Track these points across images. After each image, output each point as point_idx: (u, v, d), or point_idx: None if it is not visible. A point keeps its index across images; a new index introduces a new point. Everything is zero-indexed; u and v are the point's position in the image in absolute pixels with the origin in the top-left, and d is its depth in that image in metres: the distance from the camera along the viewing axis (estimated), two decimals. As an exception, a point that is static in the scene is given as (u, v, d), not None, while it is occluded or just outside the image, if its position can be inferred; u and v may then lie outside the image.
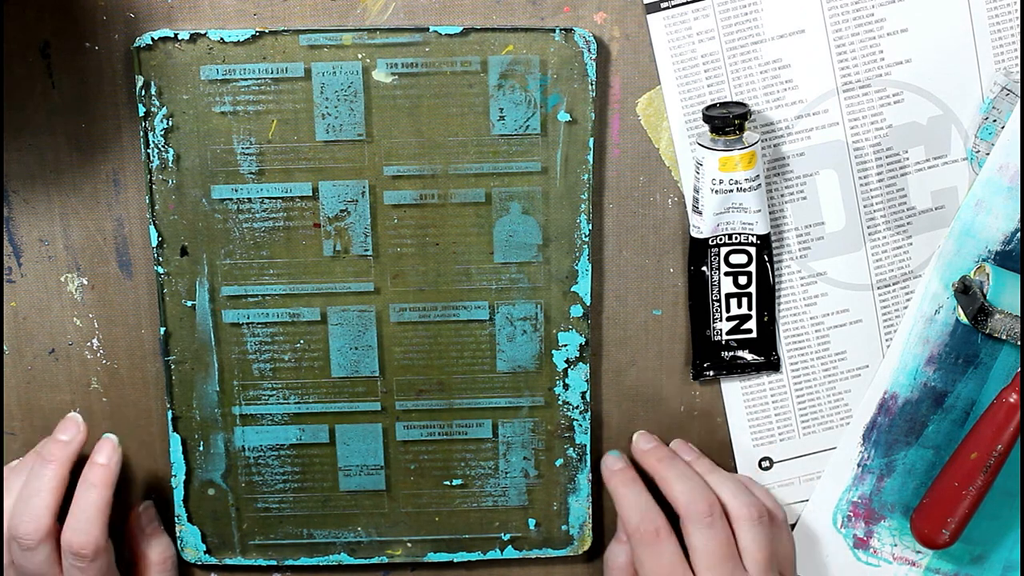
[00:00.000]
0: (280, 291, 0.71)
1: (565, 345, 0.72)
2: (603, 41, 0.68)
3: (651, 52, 0.69)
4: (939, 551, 0.76)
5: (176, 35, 0.67)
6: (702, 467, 0.73)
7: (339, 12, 0.67)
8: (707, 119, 0.67)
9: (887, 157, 0.71)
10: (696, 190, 0.69)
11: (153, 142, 0.68)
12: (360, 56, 0.67)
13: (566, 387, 0.73)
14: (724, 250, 0.71)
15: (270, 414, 0.73)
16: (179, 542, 0.75)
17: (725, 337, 0.73)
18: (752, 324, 0.73)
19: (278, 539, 0.75)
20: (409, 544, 0.76)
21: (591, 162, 0.69)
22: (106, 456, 0.69)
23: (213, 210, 0.69)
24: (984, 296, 0.70)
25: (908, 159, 0.71)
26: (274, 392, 0.73)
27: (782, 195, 0.71)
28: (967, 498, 0.71)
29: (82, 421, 0.71)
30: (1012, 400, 0.69)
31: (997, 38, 0.70)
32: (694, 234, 0.71)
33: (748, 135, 0.68)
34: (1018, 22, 0.70)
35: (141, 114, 0.68)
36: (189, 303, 0.71)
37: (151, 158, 0.68)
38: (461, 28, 0.67)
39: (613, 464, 0.74)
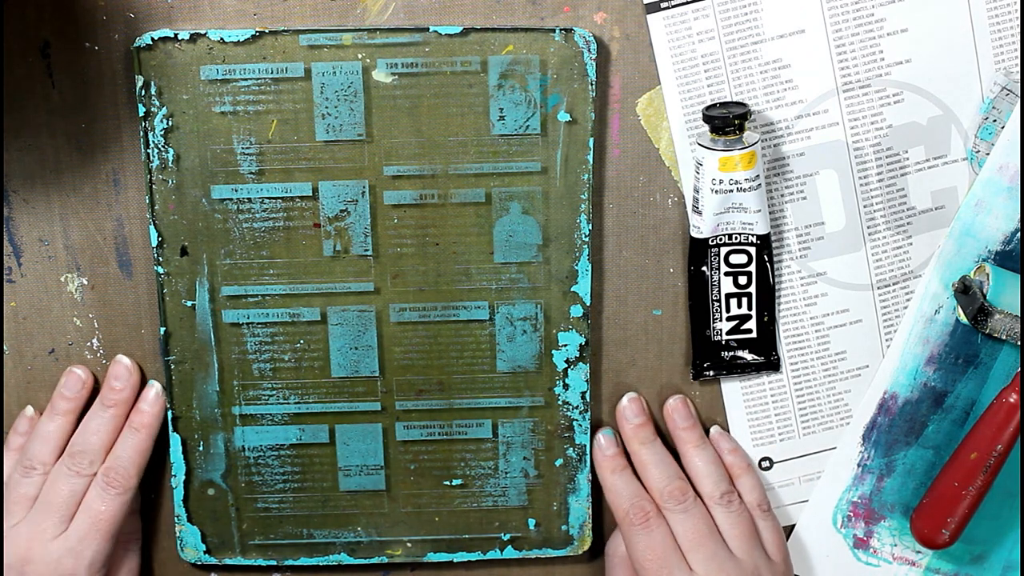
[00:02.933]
0: (280, 291, 0.71)
1: (565, 345, 0.72)
2: (603, 41, 0.68)
3: (651, 52, 0.69)
4: (939, 551, 0.76)
5: (176, 35, 0.67)
6: (690, 438, 0.73)
7: (339, 12, 0.67)
8: (707, 119, 0.67)
9: (887, 157, 0.71)
10: (696, 190, 0.69)
11: (153, 142, 0.68)
12: (360, 56, 0.67)
13: (566, 387, 0.73)
14: (724, 250, 0.71)
15: (270, 414, 0.73)
16: (179, 542, 0.75)
17: (725, 337, 0.73)
18: (752, 324, 0.73)
19: (278, 539, 0.75)
20: (409, 544, 0.76)
21: (591, 162, 0.69)
22: (149, 403, 0.73)
23: (213, 210, 0.69)
24: (984, 296, 0.70)
25: (908, 159, 0.71)
26: (274, 392, 0.73)
27: (782, 195, 0.71)
28: (967, 498, 0.71)
29: (131, 363, 0.72)
30: (1012, 400, 0.70)
31: (997, 38, 0.70)
32: (694, 234, 0.71)
33: (748, 135, 0.68)
34: (1018, 22, 0.70)
35: (141, 114, 0.68)
36: (189, 303, 0.71)
37: (151, 158, 0.68)
38: (461, 28, 0.67)
39: (606, 448, 0.74)
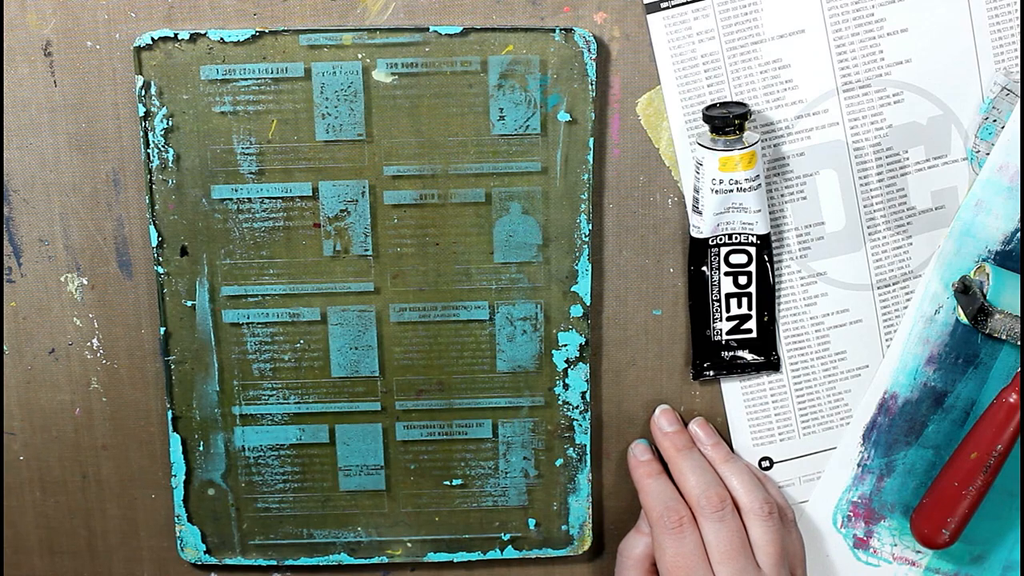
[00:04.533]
0: (280, 291, 0.71)
1: (565, 345, 0.72)
2: (603, 41, 0.68)
3: (651, 52, 0.69)
4: (939, 551, 0.76)
5: (176, 35, 0.67)
6: (718, 454, 0.73)
7: (339, 12, 0.67)
8: (707, 119, 0.67)
9: (887, 157, 0.71)
10: (696, 190, 0.69)
11: (153, 142, 0.68)
12: (360, 56, 0.67)
13: (566, 387, 0.73)
14: (724, 250, 0.71)
15: (270, 414, 0.73)
16: (179, 542, 0.75)
17: (725, 337, 0.73)
18: (752, 324, 0.73)
19: (278, 539, 0.75)
20: (409, 544, 0.76)
21: (591, 162, 0.69)
22: None
23: (213, 210, 0.69)
24: (984, 296, 0.70)
25: (908, 159, 0.71)
26: (274, 392, 0.73)
27: (782, 195, 0.71)
28: (967, 498, 0.71)
29: None
30: (1012, 400, 0.69)
31: (997, 38, 0.70)
32: (694, 234, 0.71)
33: (748, 135, 0.68)
34: (1018, 22, 0.70)
35: (141, 114, 0.68)
36: (189, 303, 0.71)
37: (151, 158, 0.68)
38: (461, 28, 0.67)
39: (641, 455, 0.74)
